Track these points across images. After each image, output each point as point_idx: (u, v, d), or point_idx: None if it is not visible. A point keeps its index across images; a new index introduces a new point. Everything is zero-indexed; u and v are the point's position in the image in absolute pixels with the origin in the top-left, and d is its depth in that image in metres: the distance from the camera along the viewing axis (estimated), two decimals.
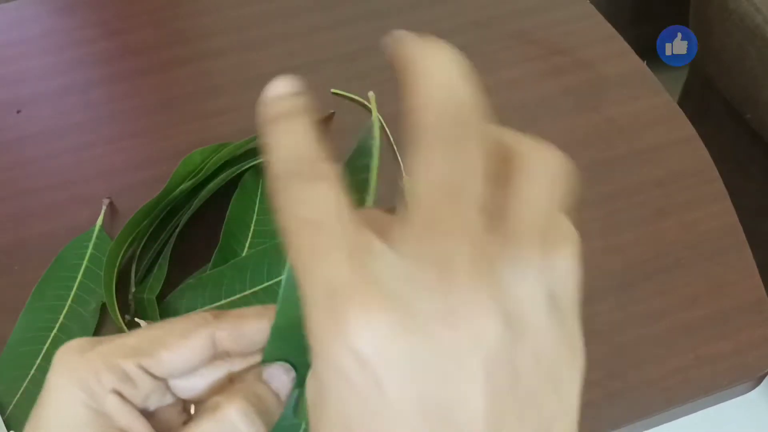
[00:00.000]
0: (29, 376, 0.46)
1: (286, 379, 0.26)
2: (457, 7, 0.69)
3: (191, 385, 0.27)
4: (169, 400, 0.27)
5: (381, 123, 0.60)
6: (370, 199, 0.30)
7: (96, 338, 0.26)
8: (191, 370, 0.26)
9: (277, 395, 0.26)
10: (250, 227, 0.52)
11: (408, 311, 0.17)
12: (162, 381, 0.26)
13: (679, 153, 0.58)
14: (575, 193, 0.21)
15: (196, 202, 0.51)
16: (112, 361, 0.25)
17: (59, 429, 0.24)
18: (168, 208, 0.51)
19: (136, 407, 0.25)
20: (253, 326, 0.26)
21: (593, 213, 0.55)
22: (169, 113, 0.62)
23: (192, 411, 0.27)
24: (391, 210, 0.22)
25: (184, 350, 0.25)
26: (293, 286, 0.19)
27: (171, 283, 0.49)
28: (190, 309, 0.47)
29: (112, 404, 0.25)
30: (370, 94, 0.60)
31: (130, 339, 0.26)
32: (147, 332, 0.26)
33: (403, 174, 0.57)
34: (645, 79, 0.63)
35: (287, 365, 0.26)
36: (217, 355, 0.26)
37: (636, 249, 0.53)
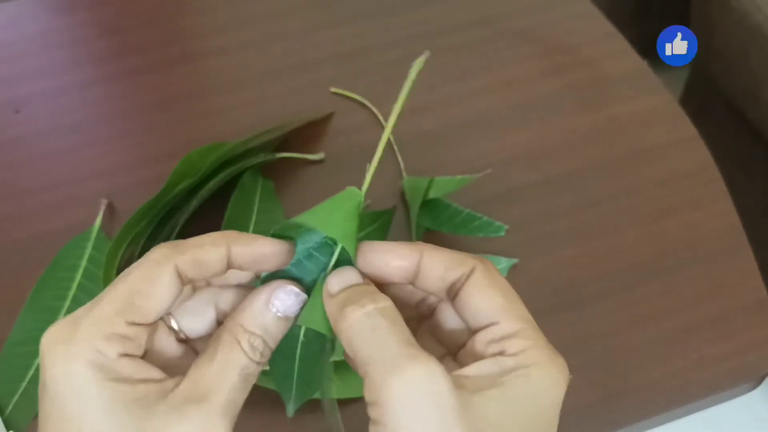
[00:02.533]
0: (28, 377, 0.46)
1: (295, 301, 0.28)
2: (457, 5, 0.69)
3: (192, 326, 0.29)
4: (162, 333, 0.28)
5: (381, 122, 0.60)
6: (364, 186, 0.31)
7: (70, 318, 0.26)
8: (172, 305, 0.28)
9: (284, 318, 0.28)
10: (249, 227, 0.52)
11: None
12: (151, 324, 0.27)
13: (681, 153, 0.58)
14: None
15: (195, 202, 0.51)
16: (105, 332, 0.25)
17: (83, 413, 0.25)
18: (167, 207, 0.51)
19: (141, 356, 0.27)
20: (210, 255, 0.28)
21: (594, 213, 0.54)
22: (167, 112, 0.62)
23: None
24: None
25: (159, 292, 0.27)
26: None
27: None
28: None
29: (126, 366, 0.25)
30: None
31: (107, 304, 0.26)
32: (117, 289, 0.26)
33: (403, 174, 0.56)
34: (646, 78, 0.63)
35: (295, 288, 0.28)
36: (186, 281, 0.28)
37: (637, 249, 0.52)
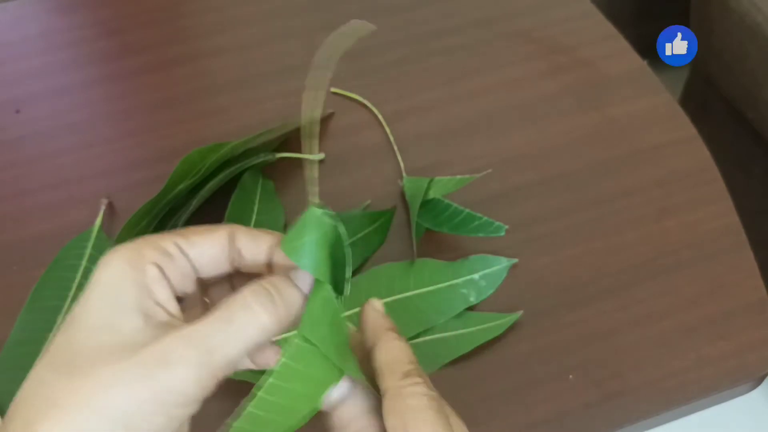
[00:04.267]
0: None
1: (311, 281, 0.29)
2: (457, 6, 0.69)
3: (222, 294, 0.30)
4: (196, 294, 0.30)
5: (381, 122, 0.60)
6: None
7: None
8: (216, 263, 0.29)
9: (301, 292, 0.29)
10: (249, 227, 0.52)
11: None
12: (193, 269, 0.29)
13: (680, 153, 0.58)
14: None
15: (195, 202, 0.51)
16: (152, 240, 0.28)
17: (105, 301, 0.26)
18: (167, 207, 0.51)
19: (172, 286, 0.28)
20: (264, 240, 0.30)
21: (593, 213, 0.54)
22: (168, 112, 0.62)
23: None
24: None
25: (210, 237, 0.29)
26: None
27: None
28: None
29: (152, 275, 0.27)
30: None
31: (166, 233, 0.29)
32: (179, 229, 0.29)
33: (403, 174, 0.56)
34: (646, 78, 0.63)
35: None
36: (234, 260, 0.29)
37: (636, 249, 0.52)
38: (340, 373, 0.28)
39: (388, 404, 0.28)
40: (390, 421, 0.27)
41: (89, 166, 0.58)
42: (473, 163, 0.57)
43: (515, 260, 0.51)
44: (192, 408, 0.26)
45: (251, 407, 0.26)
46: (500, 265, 0.50)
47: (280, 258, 0.29)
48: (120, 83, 0.64)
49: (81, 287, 0.49)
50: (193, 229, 0.29)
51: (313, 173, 0.31)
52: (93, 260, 0.51)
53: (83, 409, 0.24)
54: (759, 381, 0.48)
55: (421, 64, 0.64)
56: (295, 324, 0.28)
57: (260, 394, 0.26)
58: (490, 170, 0.54)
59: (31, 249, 0.53)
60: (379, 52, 0.65)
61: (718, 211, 0.55)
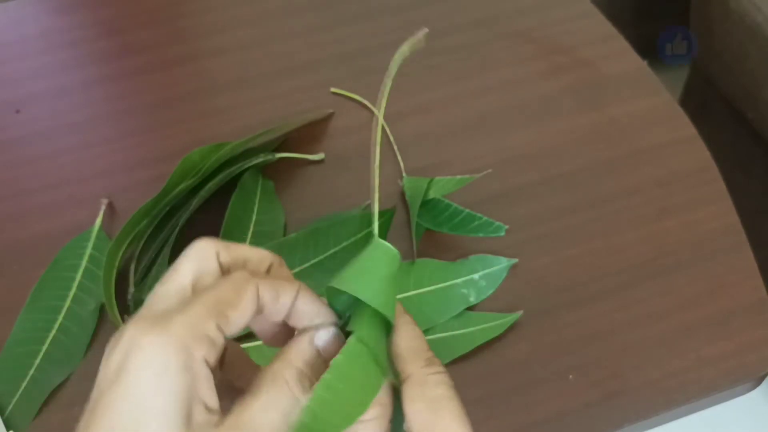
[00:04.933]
0: (28, 377, 0.46)
1: (332, 340, 0.29)
2: (457, 5, 0.69)
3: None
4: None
5: (381, 122, 0.60)
6: (375, 198, 0.31)
7: (159, 315, 0.26)
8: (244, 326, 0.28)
9: (324, 358, 0.28)
10: (249, 227, 0.52)
11: None
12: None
13: (680, 153, 0.58)
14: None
15: (196, 202, 0.51)
16: (195, 326, 0.25)
17: (139, 405, 0.24)
18: (167, 207, 0.51)
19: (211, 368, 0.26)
20: (287, 294, 0.28)
21: (593, 213, 0.54)
22: (168, 112, 0.62)
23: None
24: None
25: (245, 306, 0.27)
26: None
27: None
28: None
29: (202, 374, 0.25)
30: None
31: (199, 306, 0.26)
32: (207, 296, 0.27)
33: (403, 174, 0.56)
34: (646, 78, 0.63)
35: (336, 330, 0.29)
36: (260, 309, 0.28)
37: (636, 249, 0.52)
38: (383, 376, 0.29)
39: (412, 390, 0.28)
40: (414, 406, 0.27)
41: (89, 166, 0.58)
42: (473, 163, 0.57)
43: (515, 260, 0.51)
44: None
45: (311, 402, 0.26)
46: (500, 265, 0.50)
47: (303, 307, 0.29)
48: (120, 83, 0.64)
49: (81, 287, 0.49)
50: (225, 300, 0.27)
51: (373, 204, 0.30)
52: (93, 260, 0.51)
53: None
54: (759, 381, 0.48)
55: (421, 64, 0.64)
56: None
57: (318, 391, 0.26)
58: (490, 170, 0.54)
59: (31, 249, 0.53)
60: (379, 52, 0.65)
61: (718, 211, 0.55)
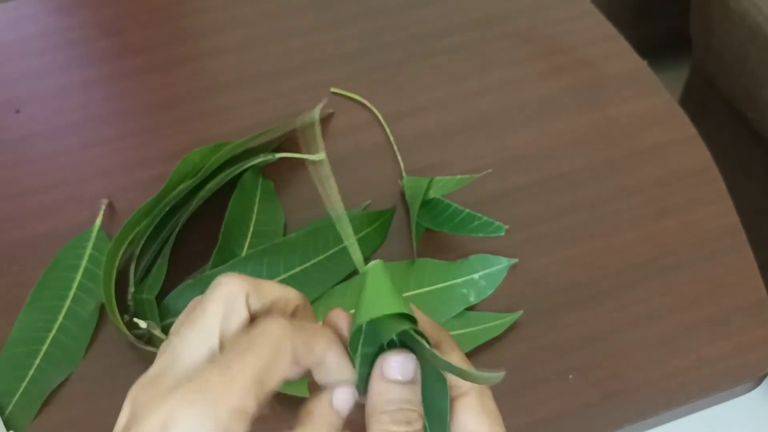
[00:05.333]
0: (28, 377, 0.46)
1: (351, 401, 0.28)
2: (457, 5, 0.69)
3: None
4: None
5: (381, 122, 0.60)
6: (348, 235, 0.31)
7: (196, 373, 0.25)
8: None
9: (339, 415, 0.28)
10: (249, 227, 0.52)
11: None
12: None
13: (680, 153, 0.58)
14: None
15: (196, 202, 0.51)
16: (240, 407, 0.25)
17: None
18: (167, 208, 0.51)
19: None
20: (321, 348, 0.27)
21: (593, 213, 0.54)
22: (168, 112, 0.62)
23: None
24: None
25: (281, 370, 0.26)
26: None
27: (170, 283, 0.49)
28: None
29: None
30: None
31: (242, 377, 0.25)
32: (250, 364, 0.25)
33: (403, 174, 0.56)
34: (646, 78, 0.63)
35: (352, 389, 0.28)
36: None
37: (636, 249, 0.52)
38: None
39: (475, 401, 0.28)
40: (478, 417, 0.28)
41: (89, 166, 0.58)
42: (473, 163, 0.57)
43: (515, 260, 0.51)
44: None
45: None
46: (500, 265, 0.50)
47: (332, 359, 0.28)
48: (120, 83, 0.64)
49: (81, 287, 0.49)
50: (266, 368, 0.25)
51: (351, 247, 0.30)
52: (93, 260, 0.51)
53: None
54: (759, 381, 0.48)
55: (421, 64, 0.64)
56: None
57: None
58: (490, 170, 0.54)
59: (32, 249, 0.53)
60: (379, 52, 0.65)
61: (718, 211, 0.55)
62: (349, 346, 0.28)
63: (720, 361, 0.47)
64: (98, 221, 0.53)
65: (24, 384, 0.46)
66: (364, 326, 0.27)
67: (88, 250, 0.51)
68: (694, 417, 0.48)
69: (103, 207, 0.54)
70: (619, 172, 0.57)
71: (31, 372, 0.46)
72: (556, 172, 0.57)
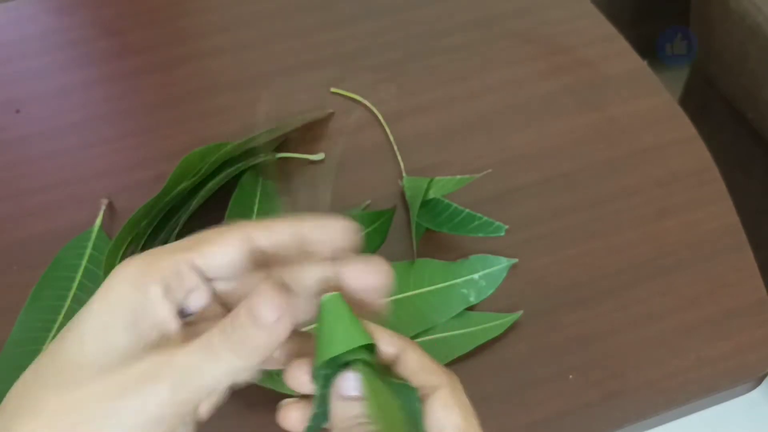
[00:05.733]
0: None
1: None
2: (456, 5, 0.69)
3: (232, 291, 0.29)
4: (207, 305, 0.29)
5: (381, 122, 0.60)
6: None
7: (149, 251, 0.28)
8: (231, 271, 0.28)
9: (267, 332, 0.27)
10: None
11: None
12: (204, 281, 0.28)
13: (680, 153, 0.58)
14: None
15: (196, 202, 0.51)
16: (160, 256, 0.27)
17: (102, 318, 0.26)
18: (167, 207, 0.51)
19: (176, 305, 0.27)
20: (284, 228, 0.29)
21: (593, 213, 0.54)
22: (168, 112, 0.62)
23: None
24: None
25: (222, 247, 0.28)
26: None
27: None
28: None
29: (154, 295, 0.26)
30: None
31: (177, 243, 0.28)
32: (191, 237, 0.28)
33: (403, 174, 0.56)
34: (646, 78, 0.63)
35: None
36: (256, 261, 0.28)
37: (636, 249, 0.52)
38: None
39: (448, 398, 0.28)
40: (452, 412, 0.28)
41: (89, 166, 0.58)
42: (473, 163, 0.57)
43: (515, 260, 0.51)
44: (170, 424, 0.26)
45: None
46: (500, 265, 0.50)
47: (315, 234, 0.29)
48: (120, 83, 0.64)
49: (81, 287, 0.49)
50: (205, 238, 0.28)
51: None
52: (93, 260, 0.51)
53: (60, 422, 0.25)
54: (759, 381, 0.48)
55: (421, 64, 0.64)
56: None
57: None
58: (490, 170, 0.54)
59: (31, 249, 0.53)
60: (379, 52, 0.65)
61: (718, 211, 0.55)
62: (313, 378, 0.29)
63: (720, 361, 0.47)
64: (98, 221, 0.53)
65: None
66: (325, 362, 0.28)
67: (88, 250, 0.51)
68: (694, 417, 0.48)
69: (103, 207, 0.54)
70: (619, 172, 0.57)
71: None
72: (556, 172, 0.57)
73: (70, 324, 0.27)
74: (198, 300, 0.28)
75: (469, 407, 0.29)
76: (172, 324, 0.27)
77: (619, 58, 0.65)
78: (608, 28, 0.67)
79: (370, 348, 0.29)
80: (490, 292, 0.49)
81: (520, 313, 0.49)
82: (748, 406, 1.09)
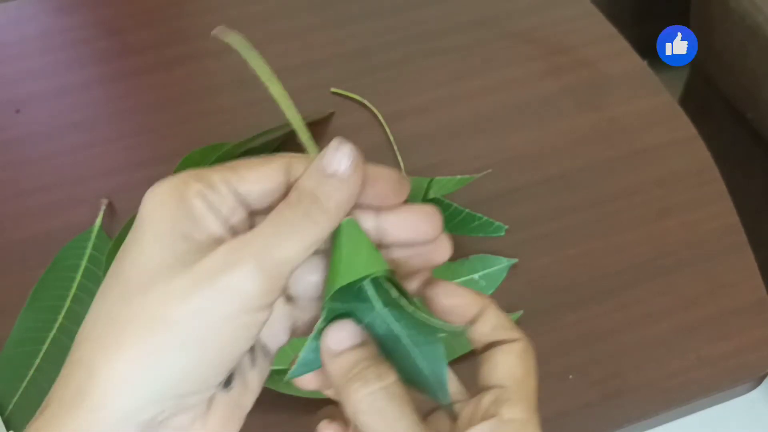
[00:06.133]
0: (28, 377, 0.46)
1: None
2: (457, 6, 0.69)
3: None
4: (245, 226, 0.27)
5: (381, 122, 0.60)
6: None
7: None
8: (270, 196, 0.27)
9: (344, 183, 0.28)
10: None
11: None
12: (242, 203, 0.27)
13: (680, 153, 0.58)
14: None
15: None
16: (200, 173, 0.26)
17: (153, 232, 0.26)
18: None
19: (221, 220, 0.26)
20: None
21: (593, 213, 0.54)
22: (168, 113, 0.62)
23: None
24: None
25: (263, 171, 0.27)
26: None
27: None
28: None
29: (198, 208, 0.26)
30: None
31: (216, 166, 0.27)
32: (231, 162, 0.27)
33: (403, 173, 0.56)
34: (646, 78, 0.63)
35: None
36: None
37: (636, 249, 0.52)
38: None
39: (524, 352, 0.28)
40: (522, 366, 0.28)
41: (89, 166, 0.58)
42: (473, 163, 0.57)
43: (515, 260, 0.51)
44: (259, 316, 0.25)
45: None
46: (500, 265, 0.50)
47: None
48: (120, 83, 0.64)
49: (81, 287, 0.49)
50: (245, 163, 0.27)
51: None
52: (93, 260, 0.51)
53: (153, 325, 0.24)
54: (759, 381, 0.48)
55: (421, 64, 0.64)
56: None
57: None
58: (490, 170, 0.54)
59: (31, 249, 0.53)
60: (379, 52, 0.65)
61: (718, 211, 0.55)
62: (322, 309, 0.27)
63: (720, 361, 0.47)
64: (98, 221, 0.53)
65: (24, 384, 0.46)
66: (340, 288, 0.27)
67: (88, 250, 0.51)
68: (694, 417, 0.48)
69: (103, 207, 0.54)
70: (619, 172, 0.57)
71: (31, 372, 0.46)
72: (556, 172, 0.57)
73: (122, 250, 0.26)
74: (236, 218, 0.27)
75: (534, 369, 0.28)
76: (223, 229, 0.26)
77: (619, 58, 0.65)
78: (608, 28, 0.67)
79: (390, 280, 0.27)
80: (490, 292, 0.49)
81: (520, 313, 0.49)
82: (748, 406, 1.09)
